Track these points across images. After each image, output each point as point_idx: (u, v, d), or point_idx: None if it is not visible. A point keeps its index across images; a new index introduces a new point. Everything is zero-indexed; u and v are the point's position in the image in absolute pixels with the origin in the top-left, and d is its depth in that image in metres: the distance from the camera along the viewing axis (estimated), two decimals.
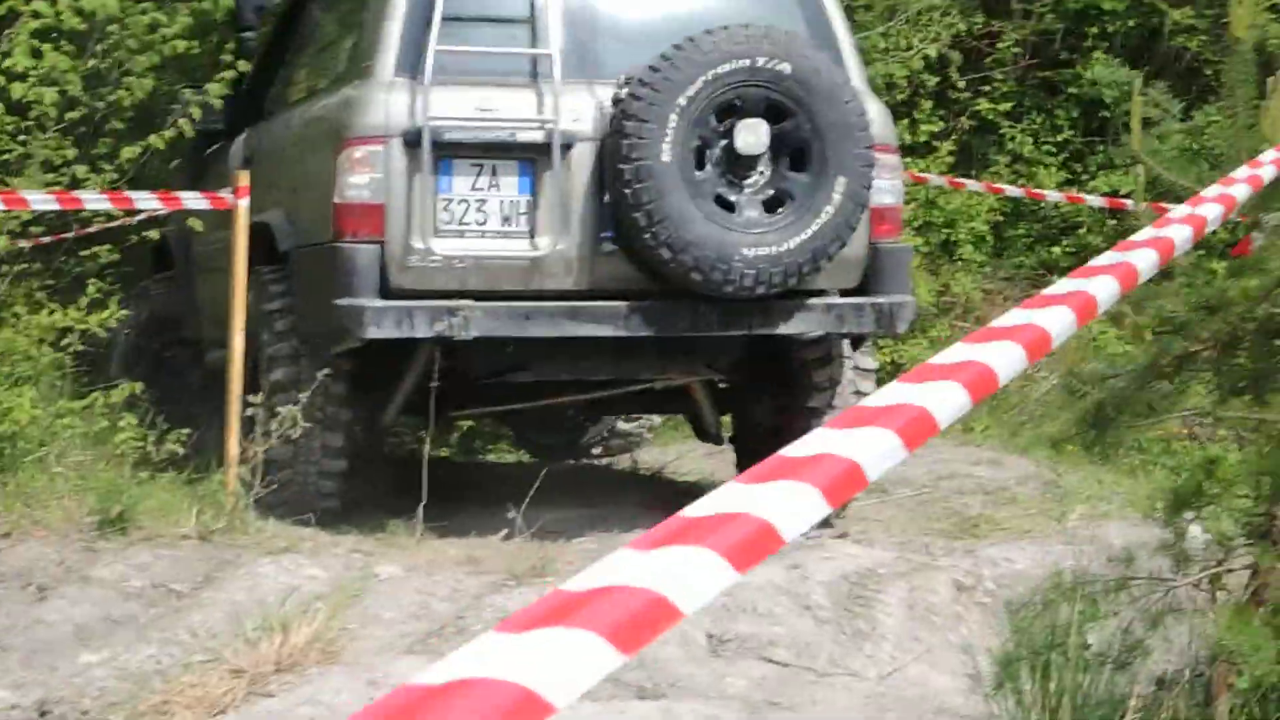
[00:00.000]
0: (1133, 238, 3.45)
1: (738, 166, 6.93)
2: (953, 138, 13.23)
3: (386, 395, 7.50)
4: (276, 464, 7.12)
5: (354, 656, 5.63)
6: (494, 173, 6.93)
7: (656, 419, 9.85)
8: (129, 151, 8.39)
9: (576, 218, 6.99)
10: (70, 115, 8.32)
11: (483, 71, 7.04)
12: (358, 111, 6.94)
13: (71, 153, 8.34)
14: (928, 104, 13.16)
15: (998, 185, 12.24)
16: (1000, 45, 13.80)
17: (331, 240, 6.91)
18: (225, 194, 7.17)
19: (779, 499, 1.95)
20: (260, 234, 7.31)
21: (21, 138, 8.37)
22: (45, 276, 8.62)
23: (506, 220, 6.95)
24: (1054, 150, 13.36)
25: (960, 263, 12.57)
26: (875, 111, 7.24)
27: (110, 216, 8.06)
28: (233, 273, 7.11)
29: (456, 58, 6.97)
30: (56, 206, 7.54)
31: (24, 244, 8.40)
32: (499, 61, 7.07)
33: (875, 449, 2.12)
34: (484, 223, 6.94)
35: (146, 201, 7.41)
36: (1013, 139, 13.40)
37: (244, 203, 7.09)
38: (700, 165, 6.91)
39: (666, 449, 9.99)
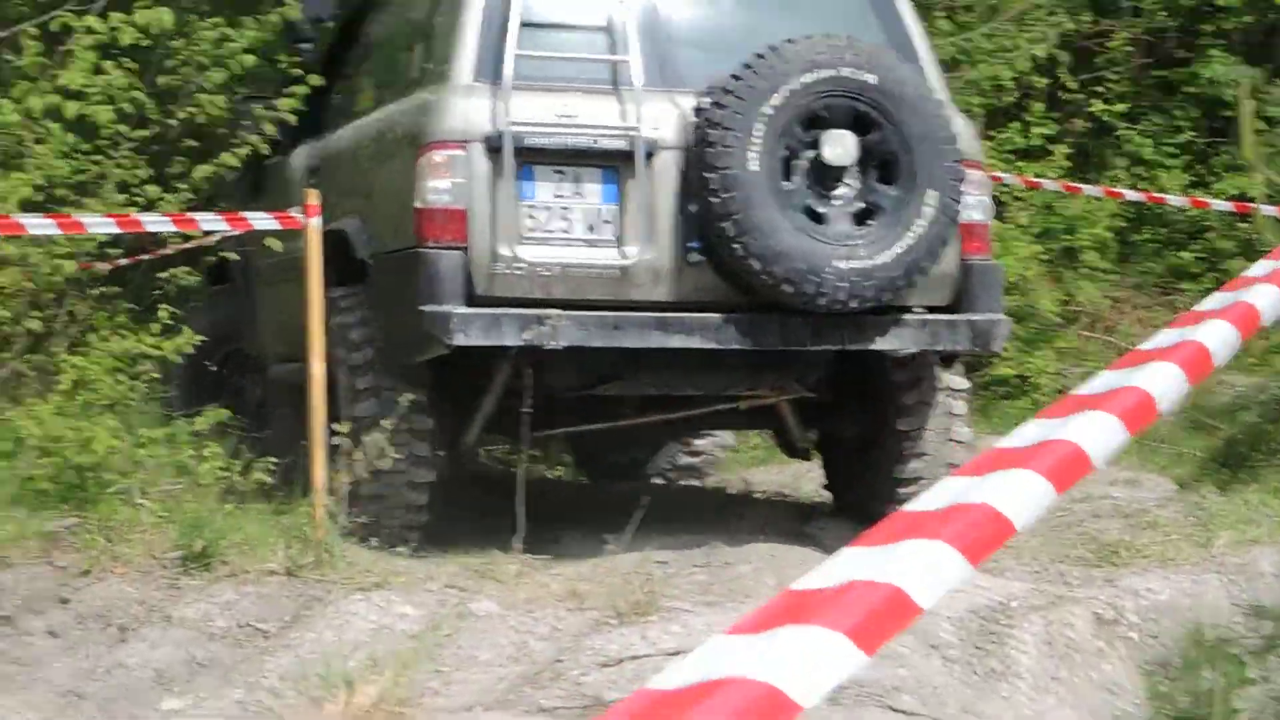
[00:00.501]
0: (1250, 271, 3.06)
1: (825, 178, 6.79)
2: (1068, 140, 12.71)
3: (468, 415, 7.25)
4: (363, 493, 6.84)
5: (428, 715, 5.22)
6: (577, 180, 6.80)
7: (723, 445, 9.57)
8: (203, 170, 8.05)
9: (662, 227, 6.83)
10: (140, 134, 7.97)
11: (562, 78, 6.90)
12: (437, 116, 6.77)
13: (144, 172, 8.01)
14: (1039, 106, 12.67)
15: (1117, 190, 11.70)
16: (1112, 44, 13.30)
17: (414, 246, 6.72)
18: (295, 213, 6.82)
19: (1007, 488, 2.04)
20: (331, 243, 7.02)
21: (96, 158, 8.07)
22: (126, 300, 8.27)
23: (591, 229, 6.80)
24: (1175, 152, 12.82)
25: (1084, 270, 12.04)
26: (960, 125, 7.11)
27: (186, 237, 7.74)
28: (307, 292, 6.74)
29: (535, 63, 6.84)
30: (115, 230, 7.19)
31: (103, 267, 8.10)
32: (578, 68, 6.95)
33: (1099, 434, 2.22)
34: (569, 230, 6.79)
35: (212, 223, 7.06)
36: (1130, 141, 12.88)
37: (315, 221, 6.72)
38: (788, 176, 6.77)
39: (784, 469, 9.53)
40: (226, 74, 8.41)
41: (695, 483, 9.46)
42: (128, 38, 7.77)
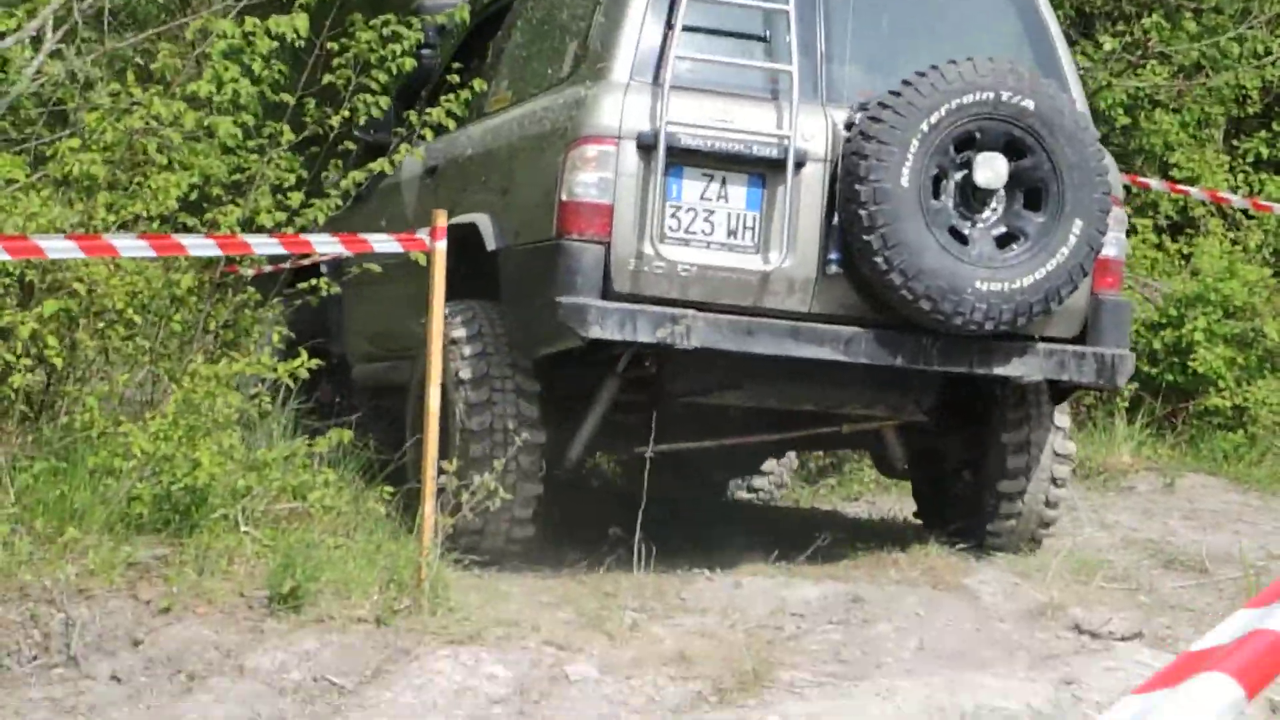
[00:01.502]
0: None
1: (973, 199, 6.77)
2: None
3: (572, 430, 7.20)
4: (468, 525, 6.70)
5: None
6: (724, 184, 6.77)
7: (787, 475, 9.58)
8: (356, 175, 7.67)
9: (803, 237, 6.80)
10: (288, 136, 7.58)
11: (720, 83, 6.89)
12: (591, 111, 6.76)
13: (293, 176, 7.62)
14: None
15: None
16: None
17: (555, 238, 6.71)
18: (422, 234, 6.42)
19: None
20: (454, 238, 6.73)
21: (254, 157, 7.74)
22: (270, 308, 7.89)
23: (732, 233, 6.78)
24: None
25: None
26: (1108, 160, 7.05)
27: None
28: (429, 309, 6.38)
29: (694, 66, 6.87)
30: (217, 252, 6.84)
31: (247, 272, 7.76)
32: (737, 75, 6.92)
33: None
34: (710, 233, 6.77)
35: (328, 245, 6.65)
36: None
37: (441, 245, 6.33)
38: (936, 195, 6.74)
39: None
40: (385, 76, 8.02)
41: (828, 507, 9.22)
42: (263, 46, 7.44)
